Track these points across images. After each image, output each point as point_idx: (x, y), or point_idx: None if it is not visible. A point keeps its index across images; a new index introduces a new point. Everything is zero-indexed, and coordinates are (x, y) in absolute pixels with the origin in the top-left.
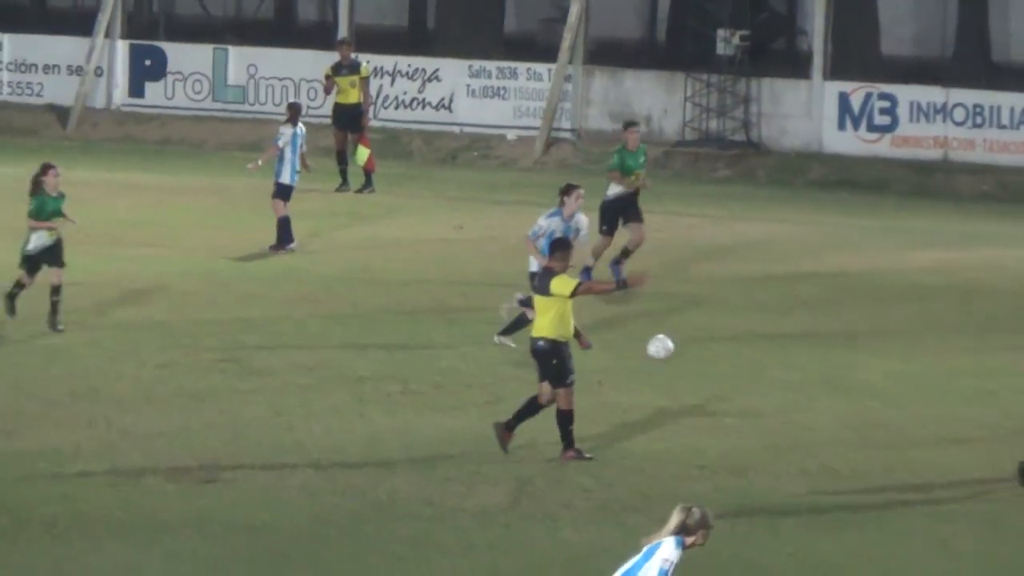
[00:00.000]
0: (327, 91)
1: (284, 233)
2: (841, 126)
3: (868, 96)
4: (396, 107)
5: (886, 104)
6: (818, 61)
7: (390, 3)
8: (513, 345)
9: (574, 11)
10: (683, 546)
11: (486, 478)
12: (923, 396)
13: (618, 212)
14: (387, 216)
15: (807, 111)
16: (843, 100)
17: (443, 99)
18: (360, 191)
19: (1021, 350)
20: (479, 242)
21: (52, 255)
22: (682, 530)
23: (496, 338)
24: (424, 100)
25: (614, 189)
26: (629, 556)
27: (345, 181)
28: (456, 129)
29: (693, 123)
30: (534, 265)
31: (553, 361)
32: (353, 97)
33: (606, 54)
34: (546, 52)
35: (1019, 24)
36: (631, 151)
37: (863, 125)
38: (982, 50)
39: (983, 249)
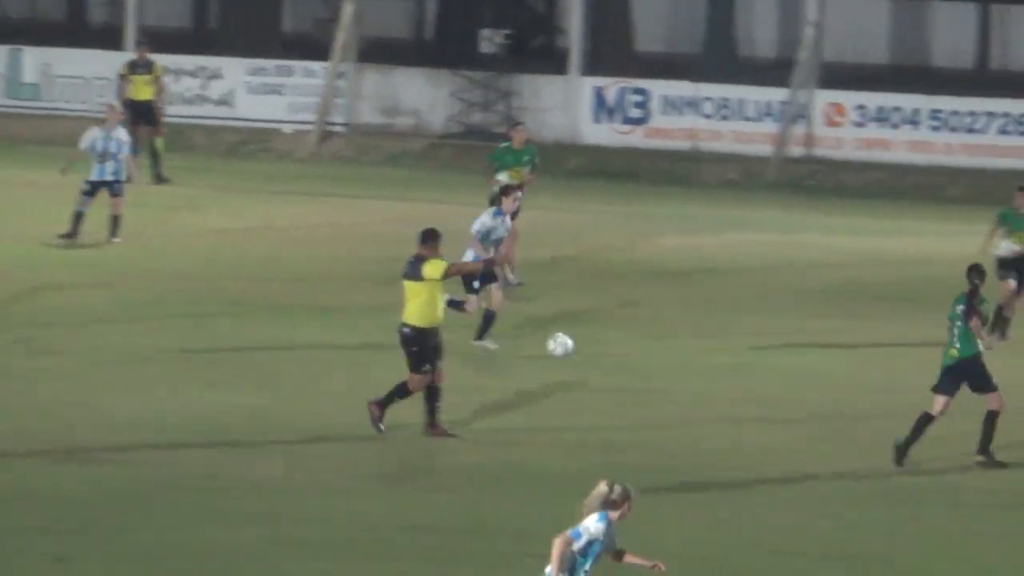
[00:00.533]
0: (123, 89)
1: (77, 225)
2: (597, 119)
3: (622, 91)
4: (180, 103)
5: (639, 98)
6: (575, 58)
7: (175, 5)
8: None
9: (347, 12)
10: (607, 520)
11: (263, 452)
12: (678, 372)
13: None
14: (176, 208)
15: (565, 105)
16: (598, 94)
17: (224, 95)
18: (156, 183)
19: (766, 328)
20: (259, 231)
21: None
22: (607, 505)
23: (474, 343)
24: (206, 97)
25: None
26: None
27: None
28: (236, 124)
29: (458, 117)
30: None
31: (414, 348)
32: (147, 94)
33: (377, 52)
34: (321, 51)
35: (764, 22)
36: (515, 148)
37: (617, 117)
38: (729, 47)
39: (729, 233)
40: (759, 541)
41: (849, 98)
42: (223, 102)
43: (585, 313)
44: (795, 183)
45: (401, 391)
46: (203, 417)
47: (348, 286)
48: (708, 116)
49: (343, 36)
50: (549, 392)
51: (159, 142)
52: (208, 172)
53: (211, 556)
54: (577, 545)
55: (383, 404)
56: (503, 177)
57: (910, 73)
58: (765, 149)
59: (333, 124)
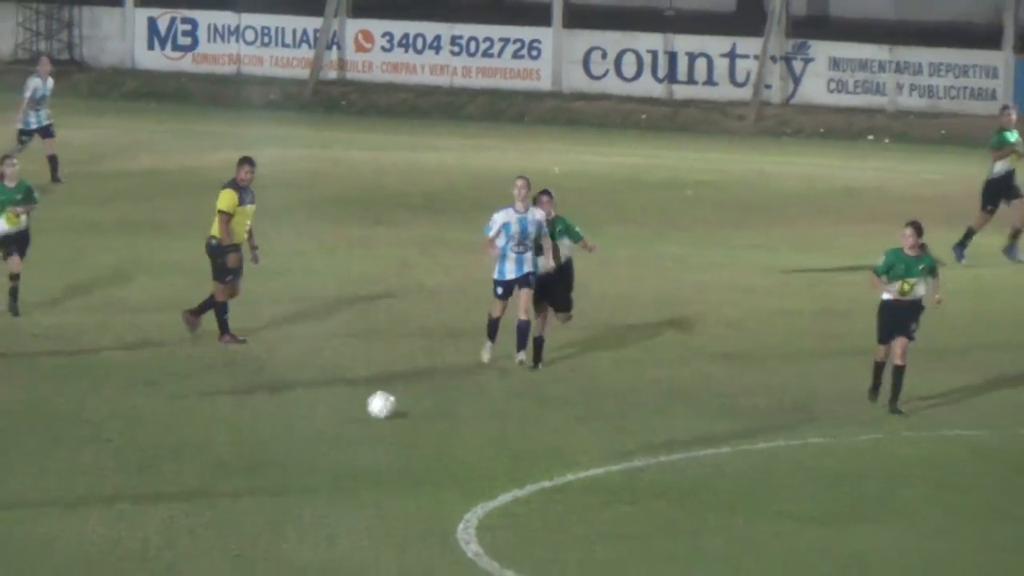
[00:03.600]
0: None
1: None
2: (150, 46)
3: (173, 20)
4: None
5: (188, 27)
6: None
7: None
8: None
9: None
10: None
11: None
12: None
13: None
14: None
15: (121, 33)
16: (152, 24)
17: None
18: None
19: (306, 233)
20: None
21: (18, 243)
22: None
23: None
24: None
25: None
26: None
27: None
28: None
29: (24, 45)
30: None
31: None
32: None
33: None
34: None
35: None
36: None
37: (168, 45)
38: None
39: (270, 149)
40: None
41: (377, 26)
42: None
43: (141, 220)
44: (330, 104)
45: (218, 309)
46: None
47: None
48: (250, 43)
49: None
50: (107, 293)
51: None
52: None
53: None
54: None
55: (225, 330)
56: None
57: (431, 3)
58: (302, 73)
59: None
